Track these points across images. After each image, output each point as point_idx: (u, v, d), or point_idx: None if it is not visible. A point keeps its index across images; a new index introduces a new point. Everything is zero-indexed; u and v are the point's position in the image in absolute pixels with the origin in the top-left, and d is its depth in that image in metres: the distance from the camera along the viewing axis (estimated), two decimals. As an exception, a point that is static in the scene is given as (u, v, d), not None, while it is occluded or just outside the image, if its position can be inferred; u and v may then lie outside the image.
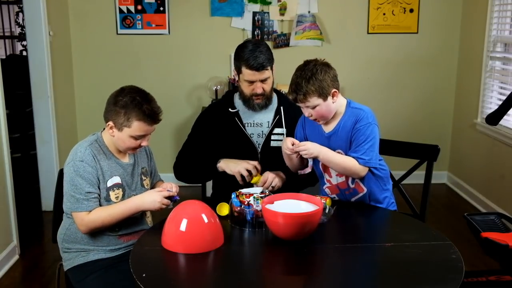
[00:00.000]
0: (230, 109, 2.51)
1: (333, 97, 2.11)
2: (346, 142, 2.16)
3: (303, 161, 2.30)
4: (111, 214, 2.04)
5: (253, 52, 2.35)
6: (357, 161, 2.12)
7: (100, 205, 2.07)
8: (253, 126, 2.50)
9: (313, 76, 2.06)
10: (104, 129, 2.13)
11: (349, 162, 2.12)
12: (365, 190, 2.22)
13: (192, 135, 2.60)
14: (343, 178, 2.22)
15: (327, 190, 2.29)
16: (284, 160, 2.30)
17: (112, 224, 2.07)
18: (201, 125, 2.57)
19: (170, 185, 2.15)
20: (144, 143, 2.10)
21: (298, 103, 2.13)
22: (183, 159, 2.57)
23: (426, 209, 2.49)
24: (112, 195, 2.09)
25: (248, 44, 2.41)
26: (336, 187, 2.26)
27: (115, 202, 2.09)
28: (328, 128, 2.20)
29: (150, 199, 2.05)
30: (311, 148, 2.11)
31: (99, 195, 2.07)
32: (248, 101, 2.45)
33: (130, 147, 2.10)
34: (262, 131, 2.50)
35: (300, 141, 2.16)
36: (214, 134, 2.50)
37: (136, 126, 2.03)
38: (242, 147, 2.47)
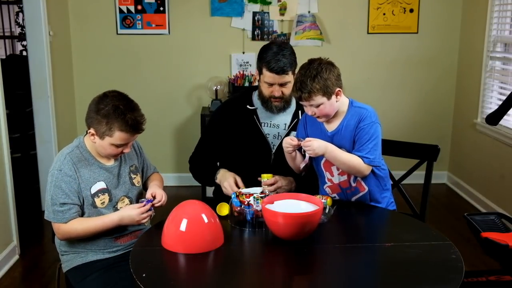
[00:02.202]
0: (248, 106, 2.50)
1: (336, 96, 2.12)
2: (350, 141, 2.16)
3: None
4: (87, 228, 2.03)
5: (276, 55, 2.32)
6: (362, 160, 2.12)
7: (83, 213, 2.05)
8: (270, 126, 2.49)
9: (318, 74, 2.07)
10: (87, 132, 2.08)
11: (354, 160, 2.13)
12: (366, 189, 2.22)
13: (207, 130, 2.61)
14: (345, 177, 2.22)
15: (327, 190, 2.29)
16: (288, 162, 2.29)
17: (88, 237, 2.07)
18: (217, 120, 2.57)
19: (155, 193, 2.13)
20: (126, 150, 2.07)
21: (302, 101, 2.13)
22: (196, 157, 2.60)
23: (426, 209, 2.49)
24: (98, 201, 2.07)
25: (272, 46, 2.38)
26: (338, 186, 2.25)
27: (102, 208, 2.07)
28: (331, 127, 2.20)
29: (128, 217, 2.04)
30: (316, 149, 2.10)
31: (81, 204, 2.04)
32: (266, 102, 2.44)
33: (111, 154, 2.07)
34: (278, 133, 2.49)
35: (301, 141, 2.15)
36: (230, 129, 2.50)
37: (118, 136, 1.99)
38: (256, 146, 2.47)
